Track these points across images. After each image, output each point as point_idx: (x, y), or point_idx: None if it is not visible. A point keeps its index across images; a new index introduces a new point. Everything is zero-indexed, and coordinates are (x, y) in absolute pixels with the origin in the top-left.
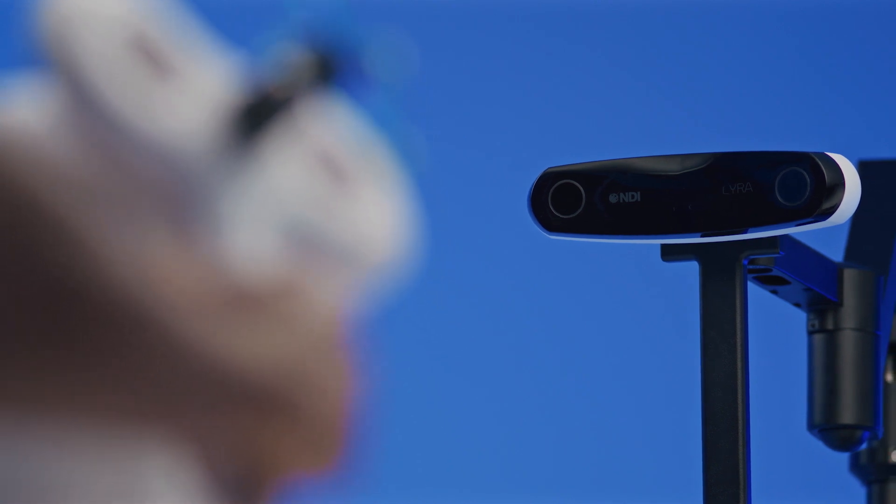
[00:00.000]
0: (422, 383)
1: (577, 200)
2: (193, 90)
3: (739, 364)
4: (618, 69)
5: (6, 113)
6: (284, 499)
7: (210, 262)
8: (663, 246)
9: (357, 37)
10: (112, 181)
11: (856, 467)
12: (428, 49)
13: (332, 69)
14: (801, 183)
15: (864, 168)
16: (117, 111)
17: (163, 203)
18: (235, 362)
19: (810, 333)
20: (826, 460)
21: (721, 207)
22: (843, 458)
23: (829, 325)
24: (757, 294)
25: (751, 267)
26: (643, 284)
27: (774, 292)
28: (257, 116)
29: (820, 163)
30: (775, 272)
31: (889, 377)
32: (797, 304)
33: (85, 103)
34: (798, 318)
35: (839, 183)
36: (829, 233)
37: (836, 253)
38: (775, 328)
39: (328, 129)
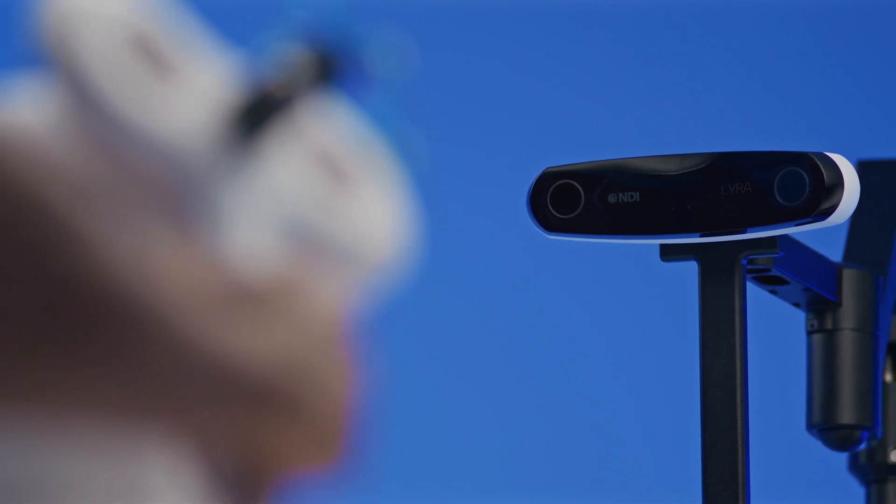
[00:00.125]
0: (421, 382)
1: (576, 200)
2: (194, 89)
3: (738, 364)
4: (616, 69)
5: (7, 112)
6: (285, 495)
7: (210, 260)
8: (662, 246)
9: (357, 36)
10: (113, 179)
11: (855, 467)
12: (427, 49)
13: (331, 68)
14: (799, 183)
15: (863, 168)
16: (118, 110)
17: (163, 201)
18: (236, 359)
19: (809, 333)
20: (825, 460)
21: (720, 207)
22: (842, 457)
23: (828, 325)
24: (756, 294)
25: (750, 267)
26: (642, 284)
27: (773, 292)
28: (257, 115)
29: (819, 163)
30: (774, 272)
31: (888, 377)
32: (796, 304)
33: (85, 102)
34: (797, 318)
35: (838, 183)
36: (828, 233)
37: (835, 253)
38: (774, 328)
39: (328, 129)
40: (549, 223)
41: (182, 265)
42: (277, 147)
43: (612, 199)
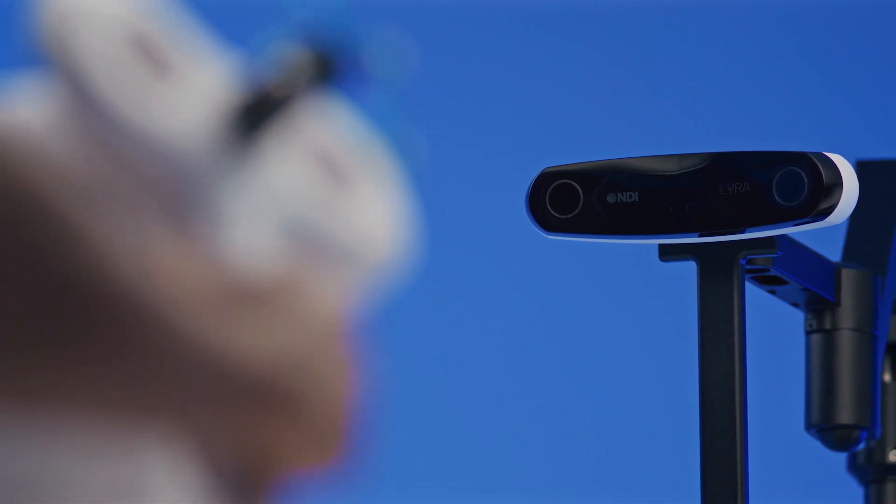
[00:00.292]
0: (421, 382)
1: (574, 200)
2: (193, 89)
3: (737, 364)
4: (615, 69)
5: (6, 112)
6: (285, 495)
7: (210, 259)
8: (661, 246)
9: (356, 36)
10: (112, 179)
11: (853, 467)
12: (427, 48)
13: (331, 68)
14: (798, 183)
15: (862, 168)
16: (117, 110)
17: (163, 200)
18: (236, 358)
19: (808, 333)
20: (824, 460)
21: (719, 207)
22: (841, 457)
23: (827, 325)
24: (755, 294)
25: (748, 267)
26: (641, 284)
27: (772, 292)
28: (256, 115)
29: (818, 163)
30: (773, 272)
31: (887, 377)
32: (795, 304)
33: (85, 102)
34: (796, 318)
35: (837, 183)
36: (826, 233)
37: (833, 253)
38: (773, 328)
39: (327, 128)
40: (547, 223)
41: (182, 264)
42: (277, 147)
43: (610, 199)
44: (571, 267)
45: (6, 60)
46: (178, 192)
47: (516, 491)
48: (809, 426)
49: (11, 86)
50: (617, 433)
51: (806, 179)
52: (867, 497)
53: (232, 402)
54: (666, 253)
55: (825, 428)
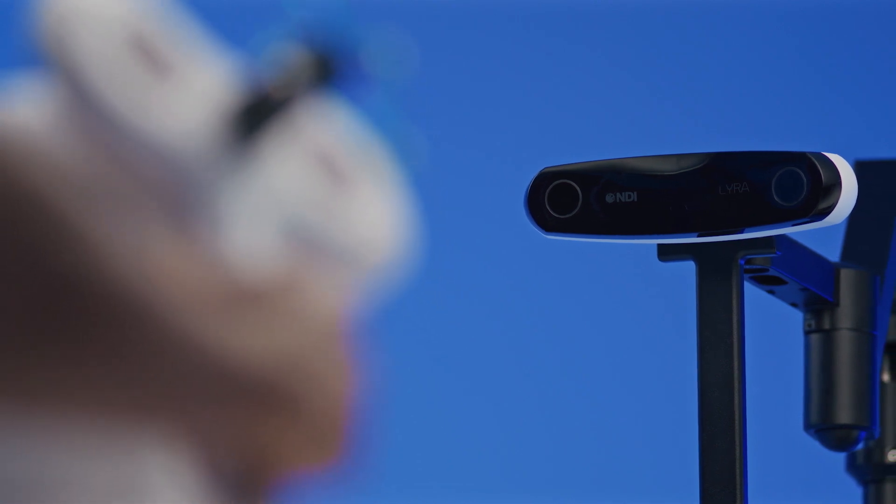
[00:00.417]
0: (421, 382)
1: (573, 200)
2: (192, 89)
3: (736, 364)
4: (614, 69)
5: (6, 112)
6: (285, 495)
7: (210, 259)
8: (660, 246)
9: (356, 36)
10: (112, 179)
11: (852, 467)
12: (426, 49)
13: (330, 69)
14: (797, 183)
15: (861, 168)
16: (116, 110)
17: (163, 201)
18: (236, 358)
19: (807, 333)
20: (823, 460)
21: (717, 207)
22: (840, 458)
23: (826, 325)
24: (753, 294)
25: (747, 267)
26: (640, 284)
27: (771, 292)
28: (256, 116)
29: (816, 163)
30: (772, 272)
31: (885, 377)
32: (794, 304)
33: (84, 102)
34: (795, 318)
35: (836, 183)
36: (825, 233)
37: (832, 253)
38: (772, 328)
39: (327, 129)
40: (546, 223)
41: (182, 265)
42: (276, 147)
43: (609, 198)
44: (570, 267)
45: (6, 60)
46: (177, 192)
47: (516, 491)
48: (808, 426)
49: (11, 86)
50: (616, 433)
51: (805, 179)
52: (866, 497)
53: (232, 403)
54: (665, 253)
55: (824, 428)
